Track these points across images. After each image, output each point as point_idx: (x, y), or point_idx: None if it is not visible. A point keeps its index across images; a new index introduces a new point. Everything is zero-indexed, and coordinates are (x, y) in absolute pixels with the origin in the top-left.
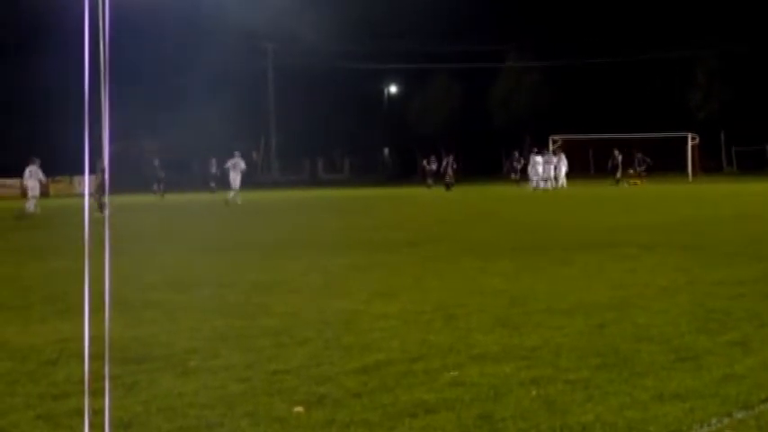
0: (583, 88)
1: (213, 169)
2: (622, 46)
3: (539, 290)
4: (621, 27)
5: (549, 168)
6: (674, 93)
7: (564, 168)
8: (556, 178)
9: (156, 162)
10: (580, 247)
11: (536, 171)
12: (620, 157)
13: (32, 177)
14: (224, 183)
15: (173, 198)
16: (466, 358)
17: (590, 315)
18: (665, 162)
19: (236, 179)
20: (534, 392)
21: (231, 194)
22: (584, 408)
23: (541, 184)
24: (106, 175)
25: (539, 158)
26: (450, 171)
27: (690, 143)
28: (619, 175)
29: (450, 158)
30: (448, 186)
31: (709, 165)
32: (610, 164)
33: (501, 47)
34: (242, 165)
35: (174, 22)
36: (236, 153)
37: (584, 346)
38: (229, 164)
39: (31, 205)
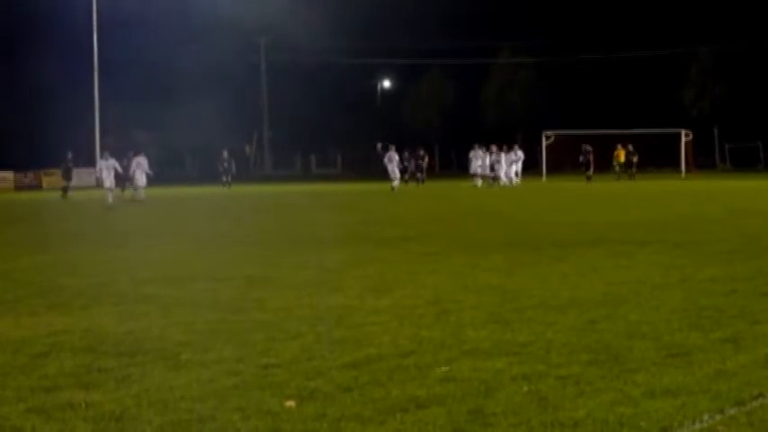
0: (576, 85)
1: (225, 163)
2: (616, 43)
3: (531, 286)
4: (615, 24)
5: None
6: (668, 89)
7: (514, 166)
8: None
9: (225, 154)
10: (572, 244)
11: (475, 166)
12: (590, 154)
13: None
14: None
15: (169, 192)
16: (458, 353)
17: (582, 311)
18: (658, 158)
19: None
20: (526, 388)
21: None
22: (575, 403)
23: (478, 181)
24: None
25: (479, 153)
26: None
27: (683, 139)
28: (591, 171)
29: (421, 154)
30: (419, 182)
31: (703, 161)
32: (581, 159)
33: (494, 43)
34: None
35: (166, 16)
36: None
37: (575, 342)
38: None
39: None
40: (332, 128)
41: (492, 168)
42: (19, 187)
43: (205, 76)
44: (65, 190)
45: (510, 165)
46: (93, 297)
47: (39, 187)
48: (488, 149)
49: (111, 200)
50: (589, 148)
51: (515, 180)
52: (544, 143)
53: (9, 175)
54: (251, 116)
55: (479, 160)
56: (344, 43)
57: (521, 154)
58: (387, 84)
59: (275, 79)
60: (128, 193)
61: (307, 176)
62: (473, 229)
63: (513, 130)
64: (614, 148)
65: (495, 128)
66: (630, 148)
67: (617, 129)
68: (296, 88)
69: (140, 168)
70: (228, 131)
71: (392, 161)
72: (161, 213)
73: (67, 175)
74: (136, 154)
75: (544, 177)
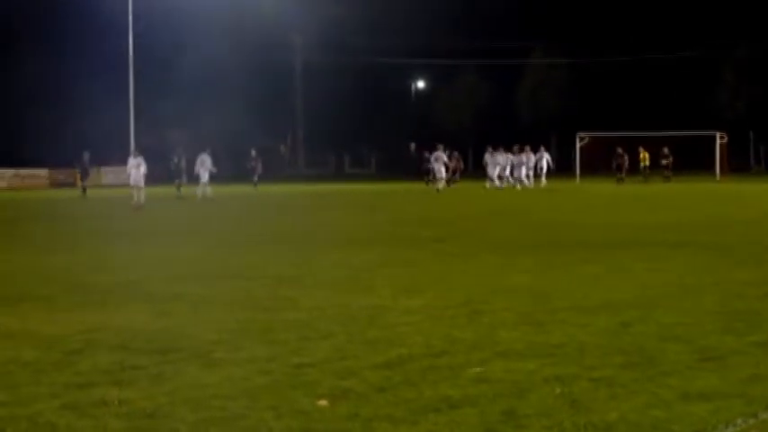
0: (610, 86)
1: (253, 162)
2: (650, 43)
3: (563, 287)
4: (650, 25)
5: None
6: (703, 91)
7: (524, 168)
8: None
9: (253, 152)
10: (604, 245)
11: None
12: (623, 156)
13: (137, 168)
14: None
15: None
16: (490, 354)
17: (615, 313)
18: (692, 161)
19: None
20: (558, 390)
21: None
22: (608, 406)
23: (497, 183)
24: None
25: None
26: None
27: (718, 142)
28: (623, 173)
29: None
30: (448, 183)
31: (737, 164)
32: (614, 163)
33: (528, 43)
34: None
35: (203, 16)
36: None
37: (608, 344)
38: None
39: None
40: (365, 127)
41: (510, 170)
42: (54, 185)
43: (240, 75)
44: (83, 189)
45: (520, 166)
46: (125, 294)
47: (74, 185)
48: (505, 151)
49: (137, 198)
50: (621, 150)
51: (526, 182)
52: (578, 144)
53: (44, 172)
54: (285, 115)
55: (496, 163)
56: (379, 43)
57: (532, 156)
58: (421, 84)
59: (310, 78)
60: (183, 189)
61: (340, 176)
62: (505, 230)
63: (546, 131)
64: (648, 150)
65: (529, 129)
66: (665, 150)
67: (651, 131)
68: (330, 88)
69: (204, 166)
70: (263, 130)
71: (439, 160)
72: (192, 212)
73: (85, 175)
74: (200, 151)
75: (578, 179)
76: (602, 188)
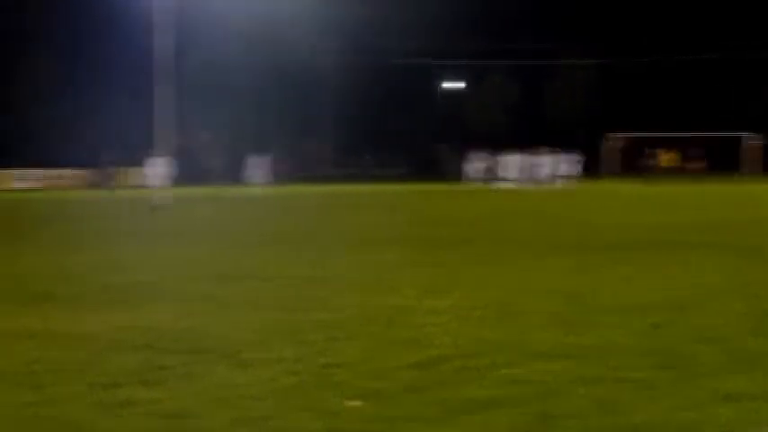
0: (638, 86)
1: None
2: (680, 44)
3: (593, 288)
4: (680, 25)
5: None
6: (729, 92)
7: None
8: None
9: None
10: (635, 246)
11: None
12: (651, 157)
13: (157, 168)
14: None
15: (230, 191)
16: (521, 355)
17: (645, 314)
18: (723, 161)
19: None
20: (588, 391)
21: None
22: (638, 407)
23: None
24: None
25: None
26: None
27: (750, 143)
28: (650, 173)
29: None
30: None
31: None
32: (641, 163)
33: (557, 44)
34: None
35: (232, 18)
36: None
37: (639, 345)
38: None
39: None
40: (394, 128)
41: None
42: (86, 185)
43: (268, 76)
44: (111, 189)
45: (538, 167)
46: (151, 294)
47: (104, 185)
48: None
49: (158, 198)
50: (649, 150)
51: (544, 184)
52: (605, 145)
53: (77, 173)
54: (313, 116)
55: (512, 164)
56: (408, 44)
57: (546, 158)
58: (449, 84)
59: (337, 79)
60: (216, 190)
61: (367, 176)
62: (533, 230)
63: (575, 132)
64: (678, 151)
65: (558, 129)
66: (694, 151)
67: (680, 131)
68: (358, 88)
69: (255, 168)
70: (291, 131)
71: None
72: (220, 212)
73: (109, 176)
74: (251, 154)
75: (605, 179)
76: (631, 189)
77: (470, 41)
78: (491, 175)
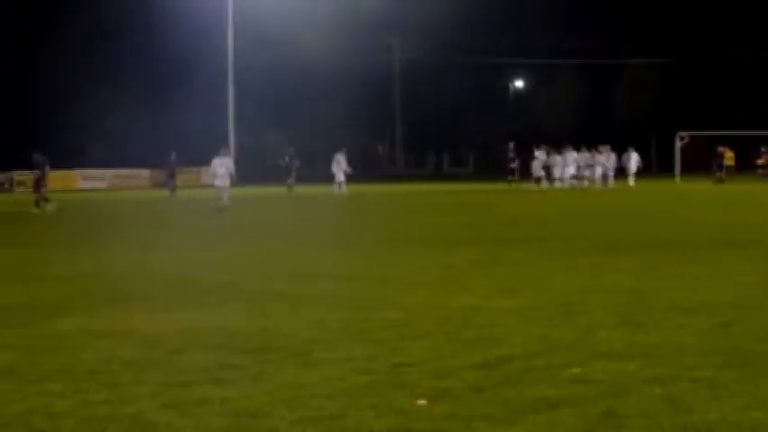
0: (712, 84)
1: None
2: (754, 40)
3: (661, 287)
4: (751, 21)
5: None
6: None
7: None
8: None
9: (291, 151)
10: (703, 245)
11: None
12: (723, 156)
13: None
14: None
15: (299, 191)
16: (588, 355)
17: (714, 314)
18: None
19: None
20: (658, 390)
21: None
22: (708, 407)
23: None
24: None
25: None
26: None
27: None
28: (722, 173)
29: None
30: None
31: None
32: (714, 162)
33: (627, 42)
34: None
35: (300, 17)
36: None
37: (708, 344)
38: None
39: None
40: (464, 127)
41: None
42: (154, 185)
43: (338, 75)
44: (172, 189)
45: (562, 166)
46: (224, 294)
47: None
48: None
49: (222, 198)
50: (721, 149)
51: (569, 183)
52: (678, 144)
53: (145, 172)
54: (384, 115)
55: (540, 162)
56: (477, 42)
57: (574, 156)
58: (520, 83)
59: (408, 78)
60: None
61: (438, 175)
62: (600, 229)
63: (645, 130)
64: (756, 150)
65: (628, 128)
66: (763, 149)
67: (755, 130)
68: (428, 87)
69: (339, 166)
70: (361, 131)
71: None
72: (290, 212)
73: (171, 176)
74: (335, 151)
75: (677, 178)
76: (702, 188)
77: (543, 40)
78: (545, 174)
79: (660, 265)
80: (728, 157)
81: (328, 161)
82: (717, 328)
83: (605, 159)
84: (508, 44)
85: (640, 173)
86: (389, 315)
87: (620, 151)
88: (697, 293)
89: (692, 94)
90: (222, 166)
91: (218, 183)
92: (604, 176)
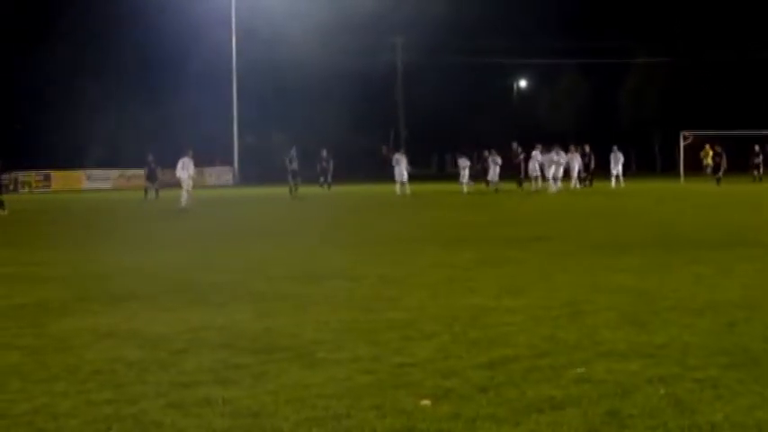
0: (714, 84)
1: (324, 162)
2: (755, 41)
3: (666, 287)
4: (754, 21)
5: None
6: None
7: (553, 168)
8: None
9: (324, 153)
10: (707, 245)
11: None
12: (721, 156)
13: (184, 169)
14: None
15: (302, 191)
16: (593, 355)
17: (719, 314)
18: None
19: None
20: (662, 391)
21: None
22: (713, 407)
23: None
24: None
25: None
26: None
27: None
28: (720, 173)
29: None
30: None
31: None
32: (713, 162)
33: (631, 42)
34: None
35: (302, 17)
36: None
37: (713, 344)
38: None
39: (183, 199)
40: (468, 127)
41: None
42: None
43: (341, 76)
44: (146, 191)
45: (549, 166)
46: (229, 294)
47: (173, 185)
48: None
49: (184, 199)
50: (719, 149)
51: (553, 184)
52: (682, 144)
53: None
54: (387, 116)
55: (537, 162)
56: (480, 43)
57: (563, 156)
58: (523, 84)
59: (411, 78)
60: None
61: (442, 176)
62: (605, 229)
63: (649, 130)
64: (752, 150)
65: (632, 128)
66: (718, 149)
67: (758, 129)
68: (432, 88)
69: (400, 165)
70: (364, 131)
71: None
72: (294, 212)
73: (152, 177)
74: (394, 151)
75: (682, 179)
76: (706, 188)
77: (546, 40)
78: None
79: (665, 265)
80: (708, 155)
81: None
82: (722, 327)
83: (561, 159)
84: (511, 44)
85: (625, 173)
86: (394, 315)
87: (626, 151)
88: (702, 293)
89: (696, 94)
90: (182, 168)
91: (222, 182)
92: (558, 177)
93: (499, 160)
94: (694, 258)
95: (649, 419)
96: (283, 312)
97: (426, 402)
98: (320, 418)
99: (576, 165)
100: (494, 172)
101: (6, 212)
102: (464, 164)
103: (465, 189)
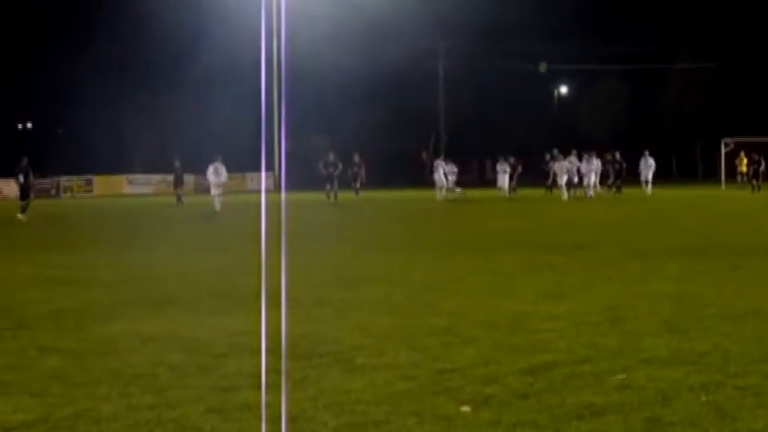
0: (759, 91)
1: (356, 168)
2: None
3: (707, 294)
4: None
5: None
6: None
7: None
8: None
9: (356, 158)
10: (749, 252)
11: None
12: (760, 163)
13: (216, 174)
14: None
15: (341, 196)
16: (634, 362)
17: (760, 321)
18: None
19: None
20: (703, 398)
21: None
22: (754, 414)
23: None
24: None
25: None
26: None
27: None
28: (759, 181)
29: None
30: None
31: None
32: (750, 169)
33: (672, 47)
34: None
35: (344, 21)
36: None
37: (754, 352)
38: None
39: (217, 203)
40: (508, 133)
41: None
42: (198, 190)
43: (382, 81)
44: (179, 198)
45: (562, 173)
46: (271, 299)
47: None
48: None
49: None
50: (757, 156)
51: (565, 191)
52: (723, 151)
53: (190, 178)
54: (427, 122)
55: (565, 168)
56: (522, 48)
57: (575, 162)
58: (563, 89)
59: (452, 84)
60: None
61: (482, 181)
62: (646, 235)
63: (691, 137)
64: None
65: (672, 134)
66: (756, 156)
67: None
68: (473, 94)
69: (439, 170)
70: (405, 137)
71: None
72: (331, 217)
73: (178, 183)
74: (436, 157)
75: (723, 185)
76: (748, 194)
77: (587, 46)
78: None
79: (705, 272)
80: (742, 162)
81: (371, 167)
82: (763, 335)
83: (566, 166)
84: (552, 50)
85: (666, 180)
86: (433, 320)
87: (661, 157)
88: (743, 300)
89: (739, 100)
90: (213, 173)
91: (260, 187)
92: (568, 183)
93: (507, 168)
94: (734, 265)
95: (690, 427)
96: (323, 318)
97: (466, 409)
98: (359, 424)
99: (593, 172)
100: (501, 180)
101: (26, 218)
102: (503, 169)
103: (507, 194)
